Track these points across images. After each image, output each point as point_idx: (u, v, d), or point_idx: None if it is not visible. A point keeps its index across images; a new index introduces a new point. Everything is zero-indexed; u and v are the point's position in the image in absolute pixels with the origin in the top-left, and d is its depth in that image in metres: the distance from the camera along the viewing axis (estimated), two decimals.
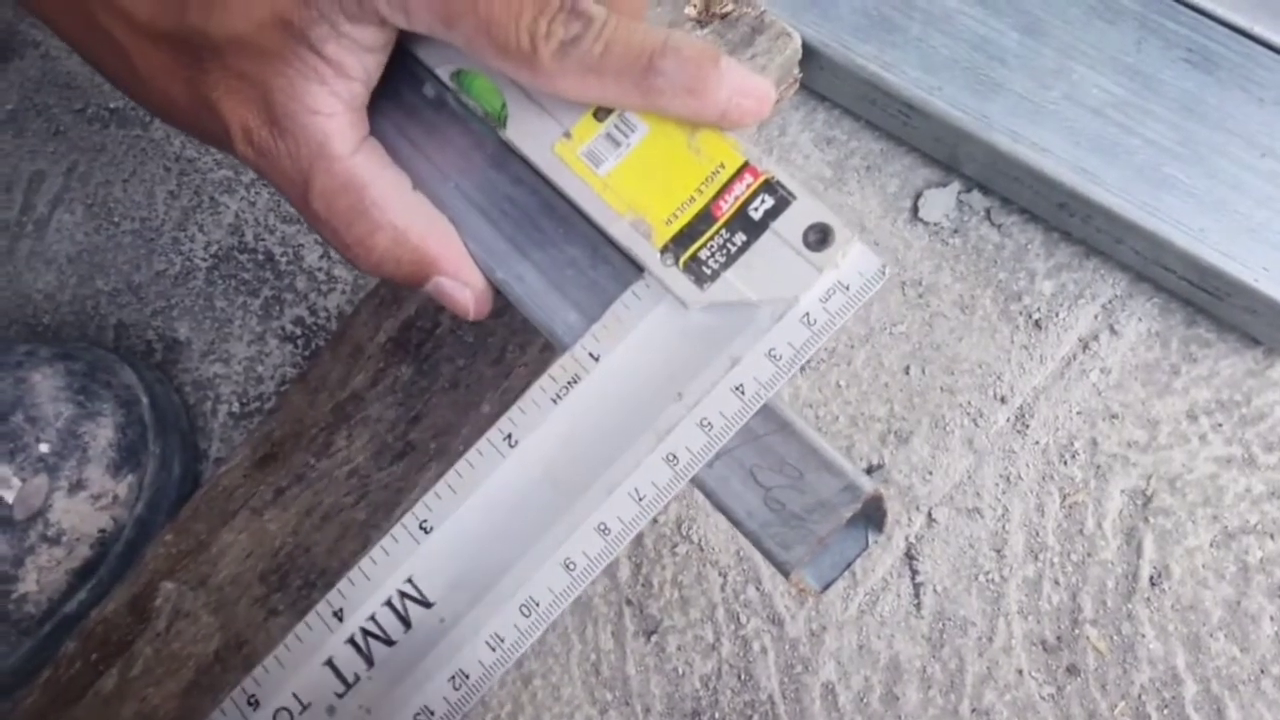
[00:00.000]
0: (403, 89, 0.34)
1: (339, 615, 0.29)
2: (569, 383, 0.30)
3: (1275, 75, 0.47)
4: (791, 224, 0.30)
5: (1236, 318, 0.47)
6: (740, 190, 0.30)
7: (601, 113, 0.32)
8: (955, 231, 0.50)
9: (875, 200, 0.51)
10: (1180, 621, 0.44)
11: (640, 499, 0.29)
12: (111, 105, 0.57)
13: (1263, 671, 0.43)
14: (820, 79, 0.51)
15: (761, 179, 0.30)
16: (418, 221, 0.33)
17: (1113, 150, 0.46)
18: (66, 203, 0.56)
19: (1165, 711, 0.42)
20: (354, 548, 0.42)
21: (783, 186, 0.30)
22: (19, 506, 0.43)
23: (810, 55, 0.49)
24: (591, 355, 0.31)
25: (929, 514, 0.46)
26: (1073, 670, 0.43)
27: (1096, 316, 0.48)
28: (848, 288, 0.29)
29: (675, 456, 0.29)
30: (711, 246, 0.30)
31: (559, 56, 0.29)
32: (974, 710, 0.43)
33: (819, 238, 0.29)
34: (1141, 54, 0.48)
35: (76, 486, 0.44)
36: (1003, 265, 0.49)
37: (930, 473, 0.47)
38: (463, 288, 0.33)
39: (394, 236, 0.32)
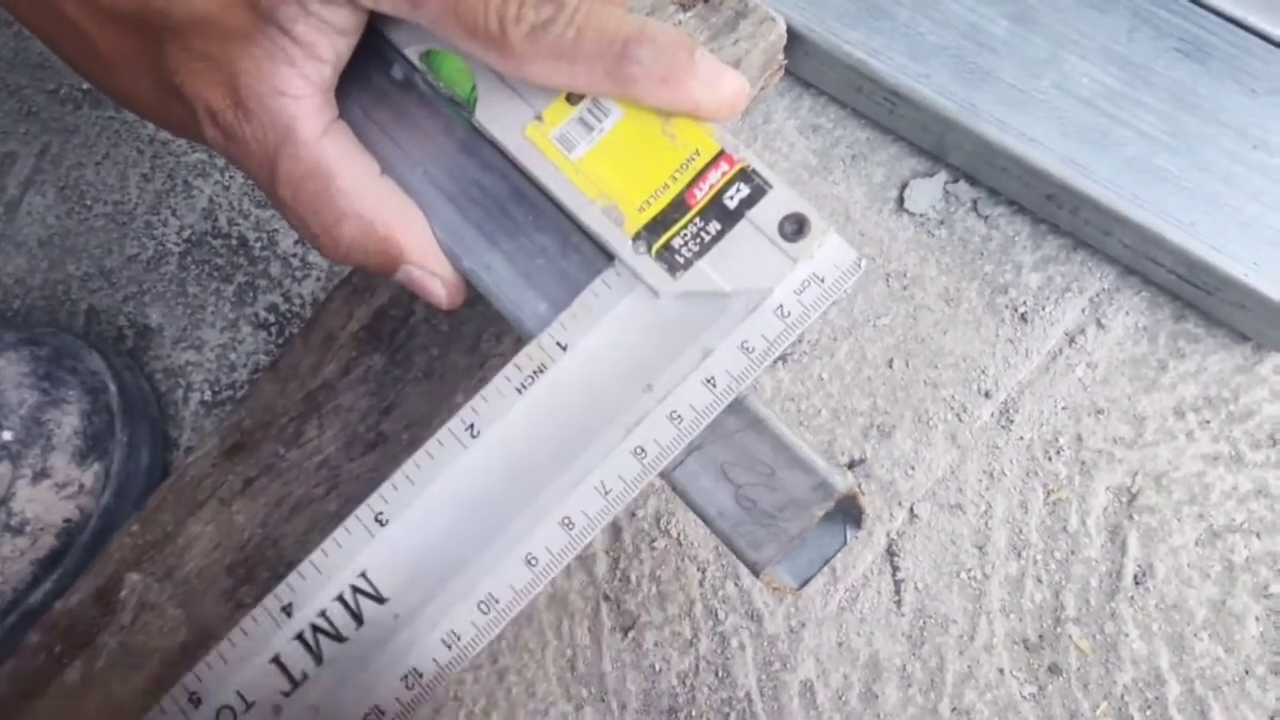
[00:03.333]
0: (371, 71, 0.33)
1: (287, 610, 0.28)
2: (534, 372, 0.29)
3: (1268, 66, 0.46)
4: (767, 213, 0.29)
5: (1225, 313, 0.46)
6: (715, 178, 0.29)
7: (574, 96, 0.31)
8: (941, 223, 0.49)
9: (860, 190, 0.50)
10: (1164, 621, 0.43)
11: (606, 493, 0.28)
12: (85, 86, 0.56)
13: (1247, 672, 0.42)
14: (806, 66, 0.50)
15: (737, 167, 0.29)
16: (385, 210, 0.32)
17: (1102, 141, 0.46)
18: (38, 185, 0.55)
19: (1148, 712, 0.42)
20: (323, 540, 0.41)
21: (759, 175, 0.29)
22: None
23: (796, 41, 0.49)
24: (559, 344, 0.30)
25: (911, 510, 0.45)
26: (1055, 669, 0.43)
27: (1084, 310, 0.47)
28: (823, 280, 0.28)
29: (643, 449, 0.28)
30: (685, 235, 0.29)
31: (530, 41, 0.28)
32: (954, 709, 0.43)
33: (795, 228, 0.29)
34: (1133, 44, 0.47)
35: (40, 475, 0.43)
36: (989, 257, 0.48)
37: (913, 468, 0.46)
38: (432, 277, 0.32)
39: (361, 226, 0.31)
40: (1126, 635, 0.43)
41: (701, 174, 0.29)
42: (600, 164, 0.30)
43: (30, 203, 0.54)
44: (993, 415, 0.46)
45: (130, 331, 0.51)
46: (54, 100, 0.56)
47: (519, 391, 0.29)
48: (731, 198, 0.29)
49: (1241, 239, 0.44)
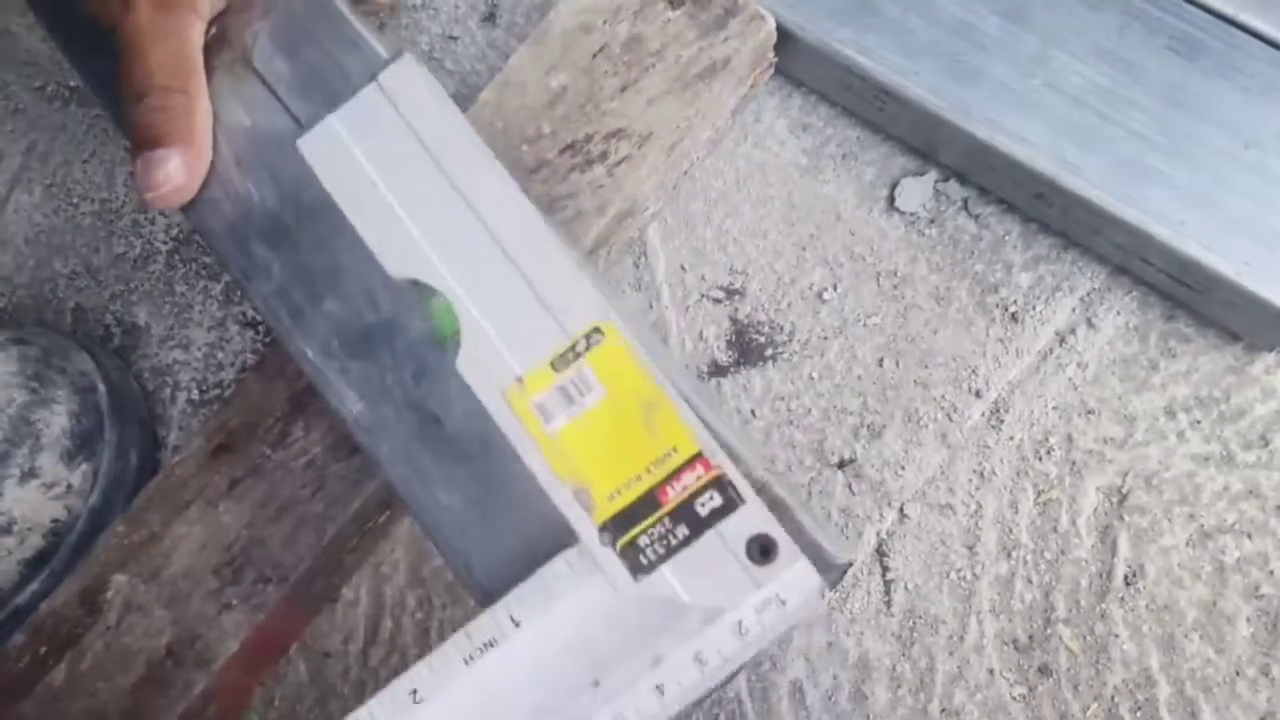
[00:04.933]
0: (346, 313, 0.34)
1: None
2: (485, 645, 0.29)
3: (1260, 64, 0.46)
4: (736, 529, 0.29)
5: (1217, 312, 0.46)
6: (690, 480, 0.29)
7: (560, 361, 0.30)
8: (932, 222, 0.49)
9: (851, 189, 0.50)
10: (1155, 622, 0.43)
11: None
12: (72, 84, 0.56)
13: (1238, 673, 0.42)
14: (796, 64, 0.50)
15: (713, 474, 0.29)
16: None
17: (1093, 140, 0.45)
18: (25, 183, 0.54)
19: (1138, 713, 0.42)
20: (310, 541, 0.41)
21: (733, 487, 0.29)
22: None
23: (786, 39, 0.48)
24: (512, 619, 0.29)
25: (901, 510, 0.45)
26: (1045, 670, 0.43)
27: (1074, 310, 0.47)
28: (785, 603, 0.28)
29: None
30: (652, 534, 0.29)
31: None
32: (944, 710, 0.42)
33: (762, 551, 0.28)
34: (1124, 41, 0.47)
35: (28, 475, 0.43)
36: (979, 256, 0.48)
37: (903, 468, 0.46)
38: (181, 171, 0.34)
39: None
40: (1117, 636, 0.43)
41: (677, 473, 0.29)
42: (576, 441, 0.30)
43: (17, 200, 0.54)
44: (983, 415, 0.46)
45: (117, 330, 0.51)
46: (41, 98, 0.56)
47: (466, 663, 0.29)
48: (703, 505, 0.29)
49: (1233, 238, 0.44)
